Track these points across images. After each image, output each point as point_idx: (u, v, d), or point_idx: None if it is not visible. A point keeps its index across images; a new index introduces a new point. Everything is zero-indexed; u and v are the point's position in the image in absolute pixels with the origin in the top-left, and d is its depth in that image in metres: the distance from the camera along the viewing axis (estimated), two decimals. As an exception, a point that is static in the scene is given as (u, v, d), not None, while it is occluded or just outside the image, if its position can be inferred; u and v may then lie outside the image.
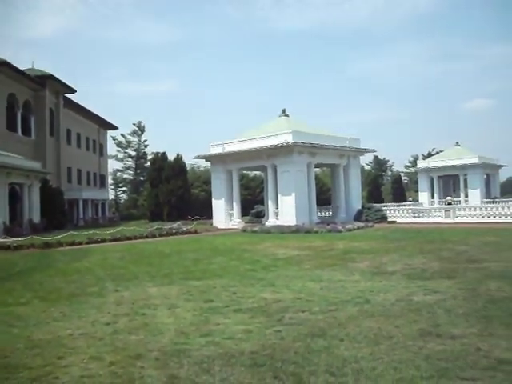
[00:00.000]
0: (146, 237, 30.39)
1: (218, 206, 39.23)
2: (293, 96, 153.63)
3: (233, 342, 7.18)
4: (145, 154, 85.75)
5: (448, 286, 10.73)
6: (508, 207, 34.53)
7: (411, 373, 5.61)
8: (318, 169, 61.83)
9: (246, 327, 7.96)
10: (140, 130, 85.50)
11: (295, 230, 29.54)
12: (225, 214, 38.64)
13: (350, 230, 29.38)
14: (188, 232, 33.20)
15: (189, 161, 61.52)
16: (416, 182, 63.02)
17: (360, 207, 38.28)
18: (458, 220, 34.24)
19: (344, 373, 5.72)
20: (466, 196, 56.70)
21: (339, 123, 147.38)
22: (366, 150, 40.75)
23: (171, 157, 53.35)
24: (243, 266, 15.38)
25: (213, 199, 40.11)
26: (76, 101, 56.14)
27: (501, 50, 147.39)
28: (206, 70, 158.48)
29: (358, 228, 30.59)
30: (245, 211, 44.99)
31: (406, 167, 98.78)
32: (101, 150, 67.95)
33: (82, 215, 54.45)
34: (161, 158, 51.54)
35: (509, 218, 32.29)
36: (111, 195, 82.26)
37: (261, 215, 41.11)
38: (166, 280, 13.24)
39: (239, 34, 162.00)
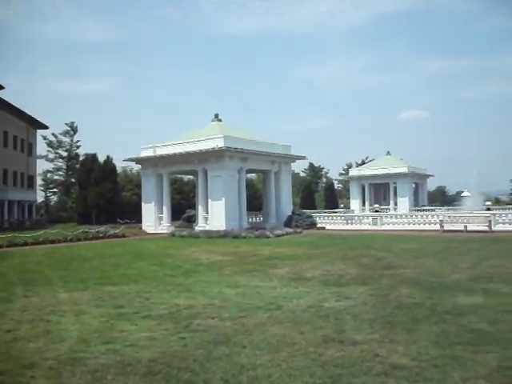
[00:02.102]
0: (71, 240, 29.53)
1: (148, 209, 38.61)
2: (230, 101, 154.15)
3: (133, 349, 6.99)
4: (77, 155, 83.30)
5: (360, 292, 10.89)
6: (433, 215, 35.71)
7: (305, 380, 5.61)
8: (252, 174, 62.13)
9: (150, 334, 7.78)
10: (72, 130, 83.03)
11: (223, 235, 29.47)
12: (154, 218, 38.07)
13: (278, 235, 29.53)
14: (115, 236, 32.48)
15: (121, 163, 60.29)
16: (349, 190, 64.36)
17: (290, 213, 38.56)
18: (384, 227, 35.09)
19: (239, 381, 5.65)
20: (396, 204, 58.31)
21: (276, 130, 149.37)
22: (297, 157, 41.16)
23: (104, 158, 52.15)
24: (163, 272, 15.13)
25: (143, 203, 39.45)
26: (5, 98, 53.90)
27: (436, 64, 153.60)
28: (143, 70, 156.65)
29: (287, 234, 30.81)
30: (178, 216, 44.53)
31: (340, 175, 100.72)
32: (30, 149, 65.42)
33: (6, 217, 52.29)
34: (91, 159, 50.23)
35: (432, 225, 33.32)
36: (41, 197, 79.55)
37: (192, 220, 40.77)
38: (81, 285, 12.81)
39: (179, 36, 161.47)
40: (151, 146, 38.22)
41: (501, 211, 35.86)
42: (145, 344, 7.24)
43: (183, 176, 61.43)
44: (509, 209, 43.17)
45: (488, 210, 36.40)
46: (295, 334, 7.59)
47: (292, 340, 7.24)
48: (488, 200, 43.15)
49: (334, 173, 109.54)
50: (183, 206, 51.94)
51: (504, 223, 31.05)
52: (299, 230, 33.64)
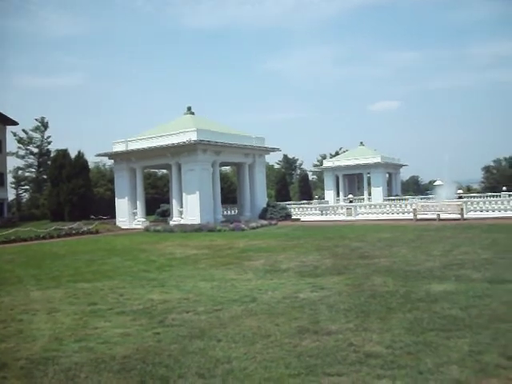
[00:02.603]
0: (43, 238, 29.13)
1: (122, 205, 38.23)
2: (203, 94, 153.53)
3: (107, 346, 6.92)
4: (48, 151, 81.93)
5: (335, 282, 10.96)
6: (406, 204, 36.08)
7: (280, 371, 5.61)
8: (227, 167, 61.99)
9: (124, 330, 7.71)
10: (43, 125, 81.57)
11: (198, 229, 29.37)
12: (128, 214, 37.72)
13: (253, 228, 29.55)
14: (89, 232, 32.13)
15: (94, 159, 59.59)
16: (323, 181, 64.64)
17: (265, 205, 38.58)
18: (359, 217, 35.33)
19: (214, 374, 5.63)
20: (370, 194, 58.81)
21: (250, 122, 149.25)
22: (271, 149, 41.15)
23: (76, 154, 51.29)
24: (137, 267, 15.02)
25: (116, 198, 39.05)
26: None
27: (406, 55, 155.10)
28: (114, 64, 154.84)
29: (262, 226, 30.84)
30: (152, 210, 44.21)
31: (314, 166, 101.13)
32: (-1, 146, 64.17)
33: (-24, 216, 51.31)
34: (62, 155, 49.38)
35: (406, 214, 33.66)
36: (12, 194, 78.12)
37: (166, 214, 40.55)
38: (53, 283, 12.66)
39: (150, 29, 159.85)
40: (123, 140, 37.79)
41: (472, 199, 36.40)
42: (119, 340, 7.18)
43: (157, 170, 60.99)
44: (480, 197, 43.90)
45: (460, 198, 36.92)
46: (270, 325, 7.59)
47: (267, 332, 7.24)
48: (460, 188, 43.77)
49: (308, 164, 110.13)
50: (157, 200, 51.55)
51: (475, 211, 31.55)
52: (274, 221, 33.70)
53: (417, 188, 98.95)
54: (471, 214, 30.84)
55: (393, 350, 6.15)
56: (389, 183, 62.69)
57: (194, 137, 32.65)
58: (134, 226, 36.40)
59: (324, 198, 60.40)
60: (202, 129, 33.90)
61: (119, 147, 37.88)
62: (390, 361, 5.79)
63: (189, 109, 39.50)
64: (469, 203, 32.41)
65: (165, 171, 59.80)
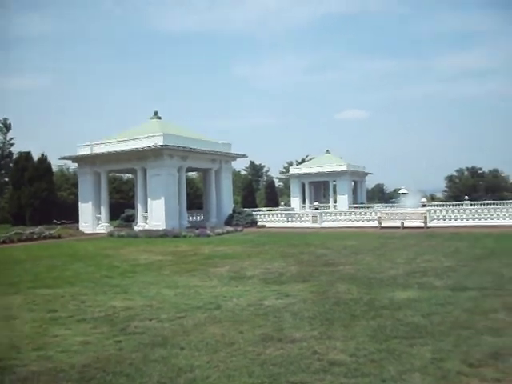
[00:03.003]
0: (4, 242, 28.40)
1: (85, 209, 37.55)
2: (170, 98, 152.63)
3: (66, 355, 6.74)
4: (10, 153, 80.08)
5: (300, 290, 10.95)
6: (371, 212, 36.47)
7: (243, 380, 5.56)
8: (194, 173, 61.64)
9: (85, 338, 7.53)
10: (6, 127, 79.70)
11: (163, 235, 29.07)
12: (92, 218, 37.08)
13: (218, 234, 29.40)
14: (51, 237, 31.43)
15: (58, 162, 58.29)
16: (290, 188, 64.78)
17: (231, 211, 38.46)
18: (324, 225, 35.52)
19: (176, 383, 5.52)
20: (335, 201, 59.23)
21: (217, 128, 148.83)
22: (238, 155, 41.11)
23: (39, 157, 50.11)
24: (100, 273, 14.74)
25: (80, 202, 38.33)
26: None
27: (374, 65, 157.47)
28: (81, 66, 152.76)
29: (228, 232, 30.71)
30: (117, 215, 43.55)
31: (281, 173, 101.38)
32: (-42, 148, 62.56)
33: None
34: (24, 157, 48.26)
35: (371, 222, 34.01)
36: (-28, 198, 75.94)
37: (131, 219, 40.00)
38: (12, 289, 12.31)
39: (118, 31, 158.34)
40: (88, 144, 37.17)
41: (435, 207, 37.05)
42: (79, 349, 7.00)
43: (122, 174, 60.23)
44: (443, 205, 44.68)
45: (424, 206, 37.50)
46: (234, 333, 7.52)
47: (231, 340, 7.16)
48: (424, 197, 44.48)
49: (275, 171, 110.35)
50: (122, 205, 50.80)
51: (438, 219, 32.12)
52: (240, 228, 33.60)
53: (382, 196, 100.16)
54: (434, 223, 31.38)
55: (356, 358, 6.15)
56: (354, 191, 63.24)
57: (160, 141, 32.35)
58: (97, 231, 35.79)
59: (290, 205, 60.52)
60: (169, 133, 33.62)
61: (84, 151, 37.24)
62: (353, 369, 5.79)
63: (155, 113, 39.16)
64: (432, 212, 32.98)
65: (130, 175, 59.19)
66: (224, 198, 38.81)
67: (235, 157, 41.07)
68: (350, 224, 34.65)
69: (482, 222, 30.63)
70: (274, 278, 12.70)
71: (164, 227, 31.36)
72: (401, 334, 7.17)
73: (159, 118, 39.03)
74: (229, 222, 36.57)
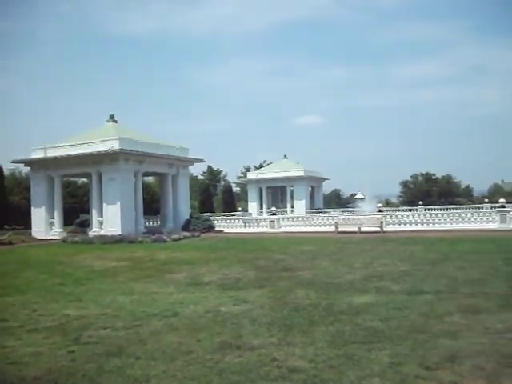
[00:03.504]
0: (-49, 249, 27.30)
1: (38, 214, 36.51)
2: (128, 102, 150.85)
3: (17, 367, 6.48)
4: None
5: (258, 296, 10.88)
6: (328, 217, 36.78)
7: (201, 389, 5.42)
8: (150, 177, 60.90)
9: (36, 349, 7.26)
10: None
11: (119, 240, 28.53)
12: (45, 224, 36.09)
13: (175, 239, 29.05)
14: (1, 243, 30.40)
15: (9, 165, 56.58)
16: (247, 193, 64.73)
17: (188, 217, 38.11)
18: (282, 230, 35.59)
19: (131, 395, 5.36)
20: (292, 206, 59.48)
21: (175, 132, 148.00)
22: (195, 160, 40.77)
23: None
24: (52, 280, 14.31)
25: (32, 207, 37.23)
26: None
27: (331, 72, 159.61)
28: (38, 68, 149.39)
29: (185, 238, 30.38)
30: (71, 220, 42.55)
31: (239, 178, 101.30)
32: None
33: None
34: (-26, 161, 46.89)
35: (328, 227, 34.26)
36: None
37: (86, 225, 39.11)
38: (-42, 298, 11.80)
39: (75, 34, 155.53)
40: (42, 147, 36.18)
41: (391, 213, 37.62)
42: (29, 360, 6.73)
43: (77, 179, 58.98)
44: (398, 210, 45.50)
45: (380, 211, 38.04)
46: (192, 341, 7.38)
47: (188, 348, 7.02)
48: (379, 202, 45.17)
49: (232, 176, 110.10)
50: (77, 210, 49.69)
51: (394, 224, 32.64)
52: (197, 233, 33.29)
53: (338, 201, 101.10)
54: (390, 227, 31.85)
55: (316, 364, 6.12)
56: (311, 196, 63.65)
57: (116, 145, 31.77)
58: (50, 237, 34.84)
59: (248, 210, 60.48)
60: (125, 137, 33.07)
61: (37, 154, 36.19)
62: (312, 375, 5.75)
63: (111, 117, 38.45)
64: (388, 217, 33.49)
65: (85, 180, 58.03)
66: (181, 203, 38.42)
67: (192, 161, 40.74)
68: (307, 229, 34.81)
69: (436, 227, 31.29)
70: (232, 284, 12.60)
71: (120, 233, 30.77)
72: (359, 338, 7.18)
73: (115, 121, 38.34)
74: (186, 227, 36.21)
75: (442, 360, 6.18)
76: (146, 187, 52.59)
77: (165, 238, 28.92)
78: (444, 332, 7.43)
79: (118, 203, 31.89)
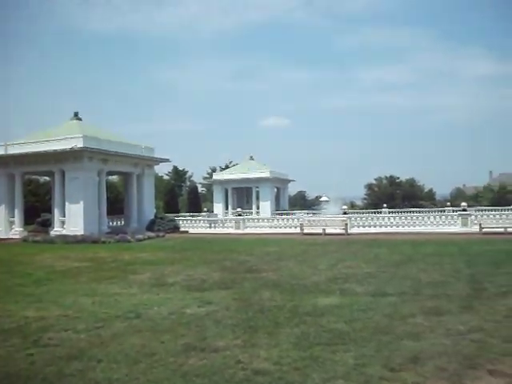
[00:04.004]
0: None
1: (-3, 213, 35.63)
2: (93, 101, 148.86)
3: (-29, 371, 6.23)
4: None
5: (223, 297, 10.80)
6: (293, 219, 36.93)
7: (165, 393, 5.32)
8: (115, 177, 60.15)
9: (-7, 352, 7.00)
10: None
11: (81, 240, 28.02)
12: (5, 223, 35.16)
13: (139, 240, 28.72)
14: (-41, 242, 29.62)
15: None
16: (213, 194, 64.43)
17: (153, 217, 37.69)
18: (247, 231, 35.58)
19: (92, 399, 5.22)
20: (258, 208, 59.49)
21: (143, 132, 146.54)
22: (161, 160, 40.38)
23: None
24: (12, 281, 13.93)
25: (-9, 206, 36.33)
26: None
27: (296, 74, 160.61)
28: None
29: (149, 238, 30.07)
30: (32, 219, 41.66)
31: (204, 178, 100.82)
32: None
33: None
34: None
35: (293, 228, 34.39)
36: None
37: (48, 224, 38.32)
38: None
39: (37, 30, 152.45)
40: (3, 144, 35.27)
41: (356, 215, 37.99)
42: (-15, 364, 6.51)
43: (39, 177, 57.80)
44: (363, 213, 45.95)
45: (344, 213, 38.33)
46: (155, 343, 7.27)
47: (151, 350, 6.91)
48: (344, 204, 45.49)
49: (198, 177, 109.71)
50: (38, 209, 48.72)
51: (358, 226, 32.96)
52: (162, 234, 32.99)
53: (304, 203, 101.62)
54: (355, 230, 32.16)
55: (280, 366, 6.09)
56: (277, 197, 63.73)
57: (80, 143, 31.17)
58: (10, 236, 33.96)
59: (213, 211, 60.24)
60: (89, 135, 32.47)
61: (-3, 151, 35.33)
62: (277, 377, 5.72)
63: (76, 114, 37.75)
64: (353, 219, 33.80)
65: (47, 178, 56.90)
66: (146, 203, 38.01)
67: (158, 161, 40.35)
68: (272, 230, 34.87)
69: (400, 229, 31.71)
70: (197, 285, 12.48)
71: (82, 233, 30.23)
72: (324, 340, 7.18)
73: (79, 119, 37.65)
74: (150, 227, 35.84)
75: (405, 361, 6.23)
76: (111, 186, 51.91)
77: (129, 238, 28.58)
78: (407, 333, 7.50)
79: (81, 202, 31.32)
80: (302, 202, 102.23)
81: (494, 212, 39.37)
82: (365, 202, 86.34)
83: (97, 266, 17.00)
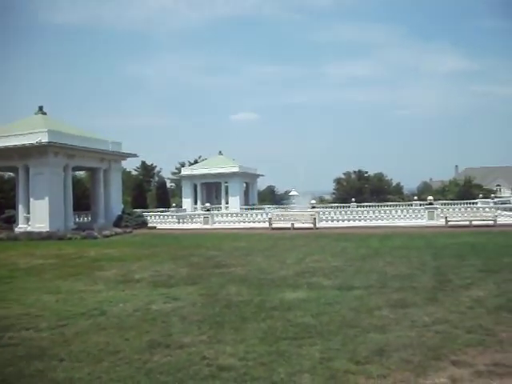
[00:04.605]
0: None
1: (-40, 210, 34.74)
2: (59, 95, 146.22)
3: None
4: None
5: (190, 293, 10.71)
6: (262, 213, 36.96)
7: (128, 391, 5.22)
8: (82, 172, 59.22)
9: (-50, 353, 6.78)
10: None
11: (47, 237, 27.51)
12: (-33, 220, 34.40)
13: (106, 236, 28.37)
14: None
15: None
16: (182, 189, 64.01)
17: (120, 213, 37.28)
18: (216, 226, 35.48)
19: (52, 399, 5.08)
20: (227, 203, 59.35)
21: (111, 126, 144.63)
22: (128, 155, 39.93)
23: None
24: (-29, 280, 13.56)
25: (-48, 203, 35.42)
26: None
27: (265, 70, 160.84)
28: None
29: (116, 234, 29.72)
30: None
31: (173, 174, 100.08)
32: None
33: None
34: None
35: (262, 223, 34.39)
36: None
37: (12, 221, 37.55)
38: None
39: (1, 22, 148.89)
40: (-37, 140, 34.36)
41: (324, 209, 38.21)
42: None
43: (3, 173, 56.50)
44: (331, 207, 46.23)
45: (313, 208, 38.50)
46: (119, 340, 7.14)
47: (115, 348, 6.78)
48: (313, 199, 45.70)
49: (167, 172, 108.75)
50: (2, 205, 47.71)
51: (327, 220, 33.20)
52: (129, 229, 32.65)
53: (273, 198, 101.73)
54: (323, 224, 32.34)
55: (246, 362, 6.03)
56: (246, 192, 63.69)
57: (45, 138, 30.54)
58: (-27, 234, 33.19)
59: (182, 206, 59.85)
60: (55, 130, 31.86)
61: (-42, 147, 34.34)
62: (243, 373, 5.66)
63: (40, 108, 36.95)
64: (321, 213, 34.00)
65: (12, 174, 55.63)
66: (113, 199, 37.54)
67: (125, 156, 39.89)
68: (241, 225, 34.85)
69: (368, 223, 32.05)
70: (163, 281, 12.35)
71: (48, 229, 29.68)
72: (290, 334, 7.16)
73: (44, 113, 36.88)
74: (118, 223, 35.41)
75: (371, 354, 6.24)
76: (78, 182, 51.06)
77: (95, 234, 28.21)
78: (373, 326, 7.53)
79: (47, 198, 30.75)
80: (271, 197, 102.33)
81: (459, 206, 40.21)
82: (334, 196, 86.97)
83: (62, 263, 16.69)
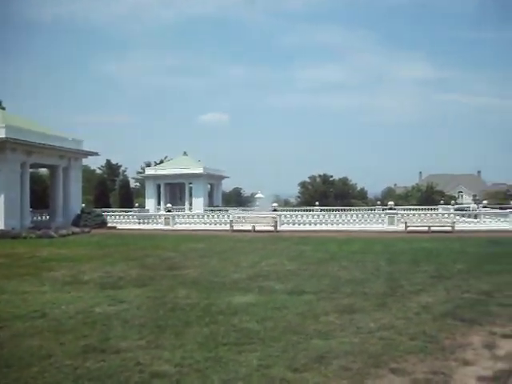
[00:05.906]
0: None
1: None
2: (18, 88, 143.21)
3: None
4: None
5: (137, 295, 10.48)
6: (224, 215, 36.80)
7: (51, 399, 4.98)
8: (44, 169, 58.09)
9: None
10: None
11: (0, 236, 26.74)
12: None
13: (63, 235, 27.73)
14: None
15: None
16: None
17: (79, 211, 36.60)
18: (177, 227, 35.10)
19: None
20: (191, 204, 58.93)
21: (71, 124, 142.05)
22: (89, 153, 39.18)
23: None
24: None
25: None
26: None
27: (235, 71, 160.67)
28: None
29: (73, 233, 29.10)
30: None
31: (138, 173, 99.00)
32: None
33: None
34: None
35: (224, 225, 34.18)
36: None
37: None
38: None
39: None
40: None
41: (286, 212, 38.19)
42: None
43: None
44: (294, 210, 46.32)
45: (275, 210, 38.46)
46: (54, 344, 6.89)
47: (48, 352, 6.53)
48: (276, 202, 45.69)
49: (133, 172, 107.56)
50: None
51: (289, 223, 33.20)
52: (88, 229, 31.98)
53: (239, 199, 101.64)
54: (285, 227, 32.31)
55: (181, 368, 5.87)
56: (210, 194, 63.39)
57: (2, 134, 29.74)
58: None
59: (145, 207, 59.19)
60: (12, 125, 31.05)
61: None
62: (175, 380, 5.51)
63: (-1, 103, 36.12)
64: (283, 216, 33.98)
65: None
66: (72, 197, 36.76)
67: (86, 154, 39.13)
68: (203, 227, 34.59)
69: (330, 227, 32.11)
70: (112, 283, 12.07)
71: (2, 227, 28.85)
72: (232, 340, 7.01)
73: (3, 108, 35.99)
74: (76, 222, 34.70)
75: (310, 361, 6.13)
76: (38, 179, 50.01)
77: (52, 233, 27.56)
78: (318, 332, 7.44)
79: (2, 196, 29.89)
80: (237, 199, 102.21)
81: (419, 211, 40.71)
82: (298, 199, 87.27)
83: (11, 263, 16.21)
